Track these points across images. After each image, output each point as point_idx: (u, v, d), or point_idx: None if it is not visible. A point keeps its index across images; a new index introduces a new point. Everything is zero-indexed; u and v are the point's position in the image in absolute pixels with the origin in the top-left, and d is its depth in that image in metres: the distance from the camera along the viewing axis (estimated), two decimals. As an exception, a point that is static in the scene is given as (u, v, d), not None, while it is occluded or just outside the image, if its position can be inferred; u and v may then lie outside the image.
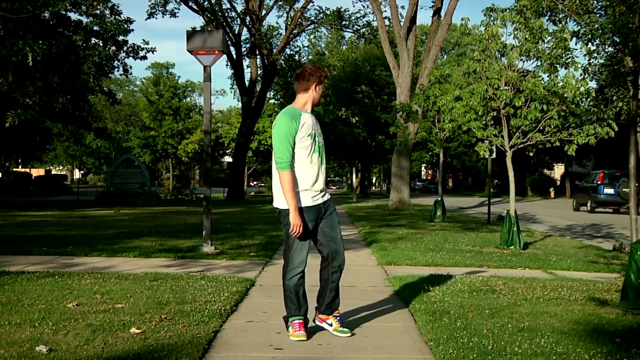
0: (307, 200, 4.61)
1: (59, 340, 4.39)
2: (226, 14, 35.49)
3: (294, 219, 4.51)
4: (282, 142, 4.52)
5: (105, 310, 5.31)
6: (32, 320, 4.91)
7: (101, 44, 26.25)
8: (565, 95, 10.07)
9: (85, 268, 7.91)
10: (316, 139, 4.62)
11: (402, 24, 25.76)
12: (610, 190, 25.93)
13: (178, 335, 4.56)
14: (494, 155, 17.66)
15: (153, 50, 28.26)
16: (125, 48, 27.49)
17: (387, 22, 28.35)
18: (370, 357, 4.28)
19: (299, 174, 4.57)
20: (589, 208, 26.64)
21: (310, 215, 4.61)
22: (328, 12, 36.02)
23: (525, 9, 9.93)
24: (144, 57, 28.05)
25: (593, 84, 10.51)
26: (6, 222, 16.40)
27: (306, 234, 4.59)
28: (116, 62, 28.28)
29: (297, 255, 4.61)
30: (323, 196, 4.71)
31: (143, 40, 38.81)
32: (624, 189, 24.37)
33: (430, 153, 20.12)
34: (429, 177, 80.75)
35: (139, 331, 4.63)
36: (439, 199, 18.68)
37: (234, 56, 35.31)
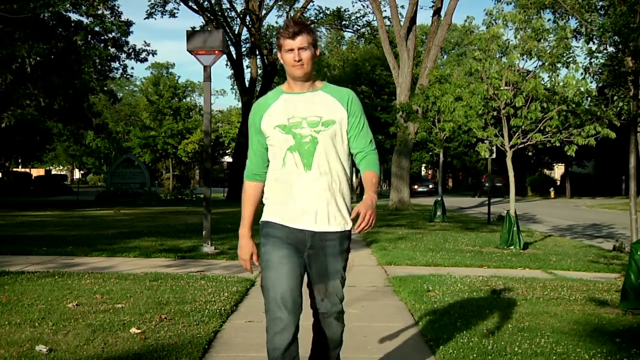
0: (271, 214, 3.06)
1: (59, 340, 4.39)
2: (226, 14, 35.50)
3: (239, 250, 3.12)
4: (249, 142, 3.18)
5: (105, 310, 5.31)
6: (32, 320, 4.91)
7: (102, 46, 26.35)
8: (566, 95, 10.08)
9: (85, 268, 7.91)
10: (296, 131, 2.99)
11: (402, 24, 25.75)
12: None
13: (178, 335, 4.55)
14: (494, 155, 17.66)
15: (154, 52, 28.46)
16: (126, 48, 27.60)
17: (387, 22, 28.34)
18: (370, 357, 4.28)
19: (269, 180, 3.11)
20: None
21: (278, 236, 3.00)
22: (328, 12, 36.05)
23: (529, 4, 9.95)
24: (145, 59, 28.20)
25: (593, 85, 10.53)
26: (6, 222, 16.40)
27: (270, 264, 2.98)
28: (117, 63, 28.41)
29: (267, 293, 2.97)
30: (312, 221, 2.97)
31: (145, 42, 39.03)
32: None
33: (430, 153, 20.13)
34: (429, 177, 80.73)
35: (139, 331, 4.63)
36: (439, 199, 18.69)
37: (234, 56, 35.32)
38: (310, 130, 3.00)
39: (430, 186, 55.75)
